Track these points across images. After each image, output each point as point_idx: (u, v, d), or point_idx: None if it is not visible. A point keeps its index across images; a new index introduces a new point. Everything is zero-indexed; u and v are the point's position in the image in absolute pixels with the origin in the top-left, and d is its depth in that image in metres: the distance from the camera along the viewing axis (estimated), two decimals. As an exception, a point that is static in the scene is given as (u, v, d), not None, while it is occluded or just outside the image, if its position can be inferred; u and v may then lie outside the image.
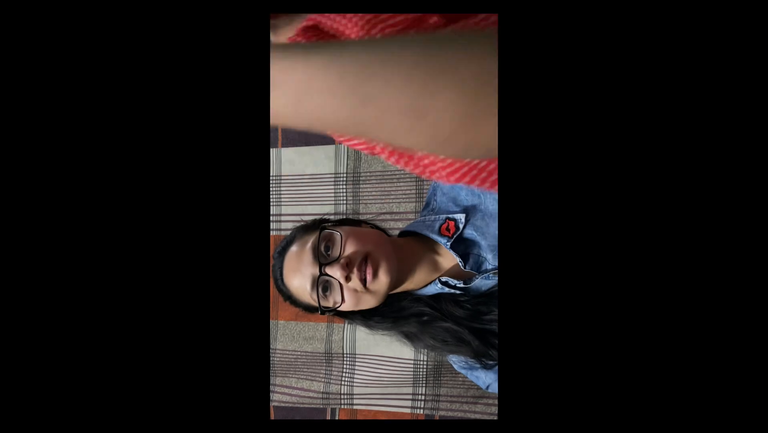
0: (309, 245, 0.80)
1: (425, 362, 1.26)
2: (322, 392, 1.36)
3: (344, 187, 1.35)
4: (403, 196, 1.30)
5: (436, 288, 0.86)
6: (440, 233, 0.87)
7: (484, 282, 0.84)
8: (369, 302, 0.81)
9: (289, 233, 0.88)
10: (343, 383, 1.34)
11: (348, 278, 0.77)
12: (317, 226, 0.84)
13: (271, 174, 1.40)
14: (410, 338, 0.89)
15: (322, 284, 0.79)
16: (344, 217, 1.04)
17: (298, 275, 0.80)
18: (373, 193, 1.32)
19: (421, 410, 1.26)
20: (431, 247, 0.88)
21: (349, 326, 1.34)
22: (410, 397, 1.27)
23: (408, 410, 1.27)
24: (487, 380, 0.91)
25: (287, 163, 1.39)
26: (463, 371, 0.94)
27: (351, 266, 0.77)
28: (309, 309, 0.85)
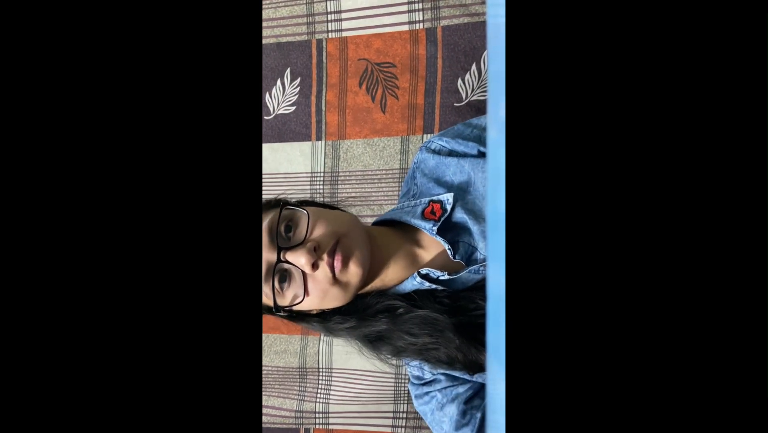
0: (265, 224, 0.65)
1: (407, 377, 1.19)
2: (296, 411, 1.27)
3: (321, 187, 1.27)
4: (386, 198, 1.22)
5: (413, 284, 0.71)
6: (424, 217, 0.72)
7: (473, 276, 0.71)
8: (337, 298, 0.67)
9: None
10: (318, 400, 1.25)
11: (315, 266, 0.63)
12: (275, 204, 0.70)
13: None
14: (374, 342, 0.72)
15: (279, 273, 0.64)
16: (306, 199, 0.88)
17: None
18: (353, 194, 1.24)
19: (403, 429, 1.17)
20: (411, 237, 0.75)
21: (325, 337, 1.24)
22: (391, 415, 1.19)
23: (389, 429, 1.18)
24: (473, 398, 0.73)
25: (260, 161, 1.31)
26: (428, 410, 0.74)
27: (320, 251, 0.64)
28: None
